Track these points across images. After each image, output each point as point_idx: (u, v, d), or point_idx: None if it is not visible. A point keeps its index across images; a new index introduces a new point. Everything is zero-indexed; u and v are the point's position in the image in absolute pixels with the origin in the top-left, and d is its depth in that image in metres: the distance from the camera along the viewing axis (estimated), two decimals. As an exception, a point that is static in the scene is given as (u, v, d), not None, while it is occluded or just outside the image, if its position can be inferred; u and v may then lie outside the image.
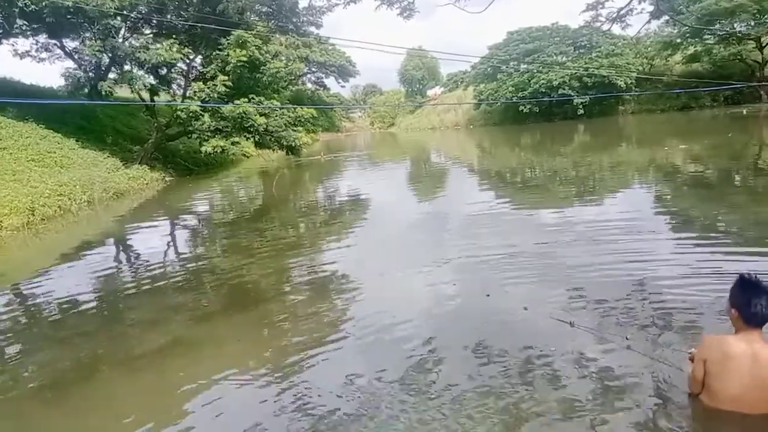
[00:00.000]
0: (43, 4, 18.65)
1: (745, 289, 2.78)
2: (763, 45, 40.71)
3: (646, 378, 4.09)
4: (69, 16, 19.80)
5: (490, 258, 7.82)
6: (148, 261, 10.23)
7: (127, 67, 22.92)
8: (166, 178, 23.18)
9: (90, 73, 24.01)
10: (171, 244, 12.29)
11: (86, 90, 24.54)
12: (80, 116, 24.00)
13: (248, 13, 22.60)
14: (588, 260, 7.25)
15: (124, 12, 20.83)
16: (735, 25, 40.83)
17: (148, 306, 7.47)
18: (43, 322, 7.21)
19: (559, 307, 5.63)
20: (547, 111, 47.35)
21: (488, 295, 6.24)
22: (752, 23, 40.23)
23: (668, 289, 5.95)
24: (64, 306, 7.57)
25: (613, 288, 6.05)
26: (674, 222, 9.75)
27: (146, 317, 6.94)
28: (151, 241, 12.31)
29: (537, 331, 5.22)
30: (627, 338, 4.71)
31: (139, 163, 22.51)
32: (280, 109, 23.74)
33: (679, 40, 43.68)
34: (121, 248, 12.20)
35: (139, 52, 21.14)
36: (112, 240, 12.99)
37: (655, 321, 5.12)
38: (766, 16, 39.04)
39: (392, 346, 5.19)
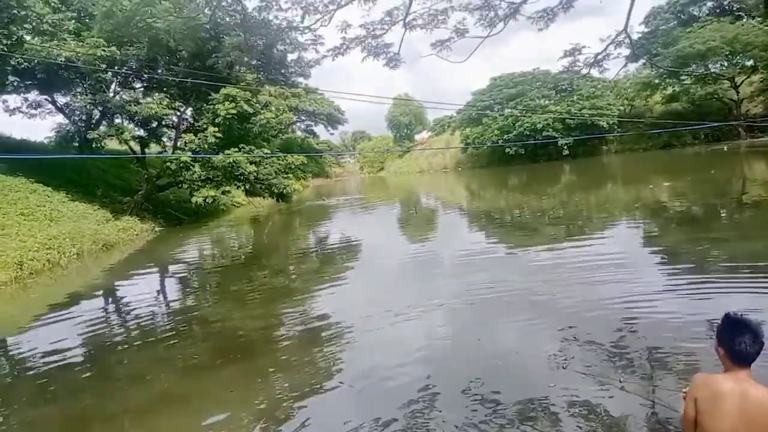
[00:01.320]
0: (35, 61, 19.01)
1: (730, 328, 2.82)
2: (738, 84, 42.19)
3: (641, 419, 4.08)
4: (60, 72, 20.17)
5: (480, 300, 7.84)
6: (137, 313, 10.11)
7: (117, 120, 23.23)
8: (156, 229, 23.14)
9: (81, 127, 24.26)
10: (160, 294, 12.17)
11: (76, 144, 24.74)
12: (70, 170, 24.09)
13: (237, 67, 23.12)
14: (578, 300, 7.28)
15: (115, 67, 21.25)
16: (709, 65, 42.42)
17: (137, 359, 7.35)
18: (28, 378, 7.04)
19: (551, 349, 5.62)
20: (533, 152, 48.28)
21: (479, 340, 6.23)
22: (725, 64, 41.82)
23: (660, 326, 5.99)
24: (50, 361, 7.42)
25: (605, 327, 6.07)
26: (663, 259, 9.86)
27: (135, 371, 6.82)
28: (141, 292, 12.18)
29: (530, 374, 5.21)
30: (621, 380, 4.71)
31: (129, 215, 22.50)
32: (271, 157, 24.01)
33: (657, 81, 45.19)
34: (110, 300, 12.06)
35: (130, 105, 21.48)
36: (100, 292, 12.84)
37: (648, 360, 5.13)
38: (737, 57, 40.61)
39: (386, 393, 5.15)
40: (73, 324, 9.51)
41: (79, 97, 21.78)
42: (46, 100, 24.82)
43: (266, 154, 23.53)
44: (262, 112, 23.87)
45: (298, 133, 62.24)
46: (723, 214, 13.89)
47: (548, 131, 45.55)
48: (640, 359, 5.16)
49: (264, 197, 27.37)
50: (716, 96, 43.00)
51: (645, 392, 4.45)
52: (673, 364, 5.01)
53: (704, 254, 9.62)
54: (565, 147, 45.00)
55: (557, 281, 8.46)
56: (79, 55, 18.86)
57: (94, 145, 22.78)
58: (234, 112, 21.71)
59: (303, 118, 58.72)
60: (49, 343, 8.26)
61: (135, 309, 10.48)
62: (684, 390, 3.43)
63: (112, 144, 25.08)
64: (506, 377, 5.19)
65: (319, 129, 64.03)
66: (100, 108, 22.70)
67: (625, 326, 6.07)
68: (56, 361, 7.40)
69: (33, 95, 24.57)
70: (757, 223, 12.34)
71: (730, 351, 2.82)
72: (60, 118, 25.45)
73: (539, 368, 5.25)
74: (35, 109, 25.52)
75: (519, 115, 47.23)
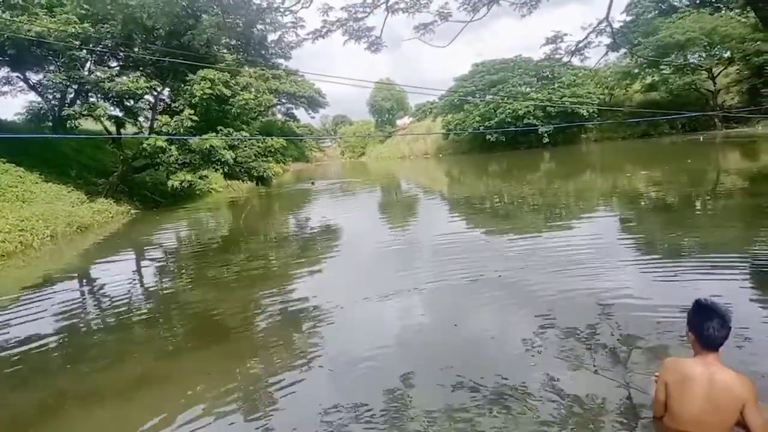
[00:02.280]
0: (5, 36, 18.39)
1: (700, 313, 2.89)
2: (715, 75, 42.87)
3: (614, 402, 4.15)
4: (33, 48, 19.57)
5: (458, 285, 7.89)
6: (112, 295, 9.96)
7: (92, 99, 22.67)
8: (132, 211, 22.77)
9: (54, 105, 23.64)
10: (136, 277, 12.01)
11: (50, 123, 24.12)
12: (44, 149, 23.49)
13: (216, 47, 22.68)
14: (555, 286, 7.37)
15: (90, 45, 20.68)
16: (688, 56, 43.00)
17: (112, 342, 7.25)
18: (1, 361, 6.91)
19: (527, 334, 5.69)
20: (513, 140, 48.55)
21: (456, 325, 6.27)
22: (703, 55, 42.42)
23: (634, 312, 6.09)
24: (23, 344, 7.29)
25: (581, 313, 6.15)
26: (639, 246, 10.01)
27: (110, 353, 6.73)
28: (116, 275, 12.00)
29: (506, 358, 5.27)
30: (595, 364, 4.78)
31: (104, 197, 22.08)
32: (250, 140, 23.73)
33: (637, 71, 45.69)
34: (84, 283, 11.86)
35: (104, 82, 20.94)
36: (75, 275, 12.62)
37: (623, 344, 5.22)
38: (715, 49, 41.22)
39: (364, 376, 5.16)
40: (46, 307, 9.33)
41: (52, 74, 21.19)
42: (17, 77, 24.11)
43: (245, 137, 23.24)
44: (240, 93, 23.52)
45: (279, 116, 61.57)
46: (697, 203, 14.16)
47: (529, 119, 45.79)
48: (614, 344, 5.25)
49: (243, 181, 27.09)
50: (694, 86, 43.67)
51: (619, 376, 4.53)
52: (647, 348, 5.11)
53: (678, 242, 9.80)
54: (546, 135, 45.33)
55: (534, 267, 8.54)
56: (52, 31, 18.27)
57: (68, 125, 22.24)
58: (210, 91, 21.35)
59: (283, 100, 58.06)
60: (21, 327, 8.10)
61: (110, 292, 10.32)
62: (656, 374, 3.50)
63: (87, 124, 24.51)
64: (483, 362, 5.23)
65: (300, 113, 63.44)
66: (74, 86, 22.12)
67: (601, 312, 6.16)
68: (28, 344, 7.27)
69: (3, 72, 23.86)
70: (729, 212, 12.61)
71: (699, 336, 2.89)
72: (32, 96, 24.79)
73: (515, 353, 5.31)
74: (6, 86, 24.80)
75: (500, 101, 47.38)
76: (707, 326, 2.81)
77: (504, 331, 5.98)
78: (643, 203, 14.93)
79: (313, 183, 34.15)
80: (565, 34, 11.02)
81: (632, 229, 11.93)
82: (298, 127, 62.41)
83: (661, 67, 43.56)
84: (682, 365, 2.93)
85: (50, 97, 24.40)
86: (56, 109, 23.84)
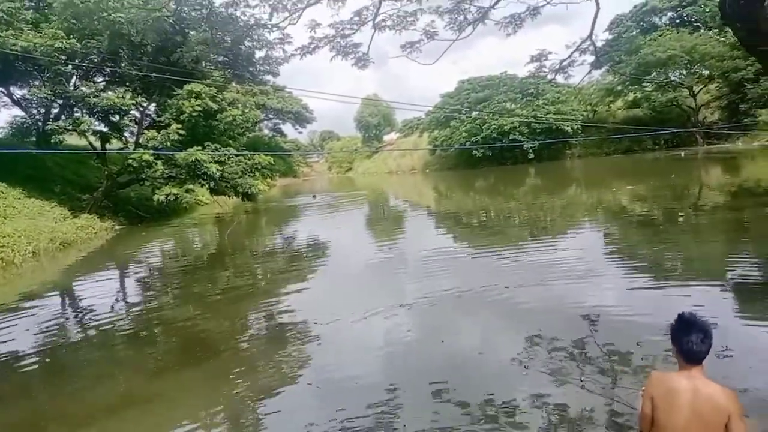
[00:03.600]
0: (-10, 51, 18.26)
1: (681, 327, 2.92)
2: (695, 92, 43.78)
3: (601, 416, 4.17)
4: (17, 63, 19.45)
5: (444, 301, 7.89)
6: (95, 313, 9.80)
7: (77, 114, 22.50)
8: (116, 227, 22.52)
9: (38, 120, 23.42)
10: (120, 294, 11.85)
11: (34, 138, 23.88)
12: (27, 165, 23.23)
13: (204, 63, 22.70)
14: (541, 300, 7.41)
15: (76, 60, 20.60)
16: (669, 73, 43.91)
17: (95, 361, 7.14)
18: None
19: (514, 350, 5.70)
20: (499, 155, 48.95)
21: (443, 341, 6.27)
22: (684, 72, 43.34)
23: (620, 326, 6.14)
24: (3, 363, 7.14)
25: (567, 327, 6.19)
26: (624, 260, 10.12)
27: (93, 373, 6.62)
28: (99, 292, 11.83)
29: (493, 373, 5.27)
30: (581, 379, 4.80)
31: (88, 212, 21.83)
32: (236, 156, 23.66)
33: (619, 88, 46.51)
34: (66, 300, 11.67)
35: (89, 97, 20.83)
36: (57, 292, 12.42)
37: (609, 359, 5.26)
38: (695, 66, 42.16)
39: (351, 393, 5.13)
40: (27, 325, 9.16)
41: (37, 89, 21.02)
42: (1, 92, 23.88)
43: (231, 152, 23.16)
44: (228, 109, 23.49)
45: (266, 131, 61.64)
46: (681, 218, 14.35)
47: (514, 135, 46.25)
48: (600, 358, 5.28)
49: (229, 196, 26.95)
50: (676, 103, 44.54)
51: (605, 390, 4.55)
52: (633, 362, 5.14)
53: (662, 256, 9.91)
54: (531, 151, 45.79)
55: (520, 282, 8.58)
56: (37, 45, 18.18)
57: (52, 140, 22.02)
58: (200, 109, 21.33)
59: (270, 116, 58.14)
60: (1, 345, 7.94)
61: (93, 309, 10.16)
62: (642, 388, 3.52)
63: (72, 139, 24.31)
64: (470, 377, 5.23)
65: (287, 128, 63.57)
66: (59, 101, 21.95)
67: (586, 326, 6.20)
68: (7, 364, 7.12)
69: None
70: (712, 227, 12.81)
71: (680, 349, 2.92)
72: (16, 111, 24.53)
73: (502, 368, 5.31)
74: (-11, 101, 24.53)
75: (486, 118, 47.85)
76: (687, 340, 2.84)
77: (491, 346, 5.99)
78: (627, 218, 15.10)
79: (314, 197, 34.27)
80: (550, 53, 11.18)
81: (617, 243, 12.06)
82: (285, 143, 62.51)
83: (644, 84, 44.40)
84: (667, 379, 2.95)
85: (34, 112, 24.16)
86: (40, 124, 23.62)
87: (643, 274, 8.78)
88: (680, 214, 14.92)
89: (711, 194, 18.80)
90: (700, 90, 44.07)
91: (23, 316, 9.77)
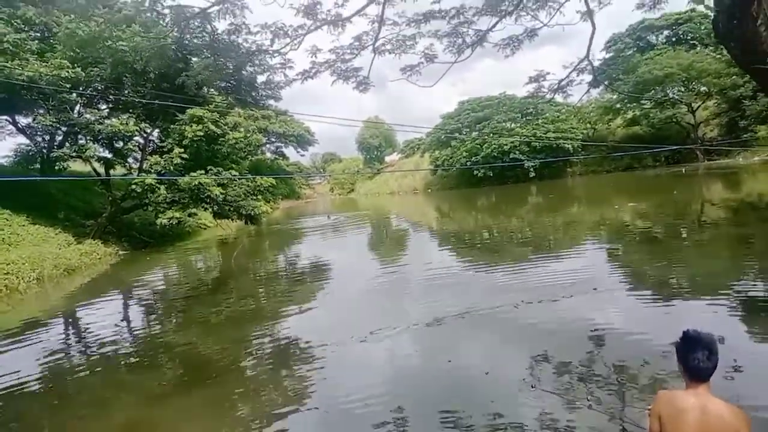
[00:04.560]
0: (-4, 80, 18.52)
1: (686, 344, 2.91)
2: (694, 109, 44.07)
3: (609, 437, 4.13)
4: (22, 92, 19.71)
5: (449, 321, 7.86)
6: (99, 339, 9.78)
7: (81, 141, 22.73)
8: (120, 252, 22.56)
9: (43, 148, 23.66)
10: (124, 320, 11.83)
11: (38, 165, 24.09)
12: (31, 192, 23.40)
13: (206, 89, 22.96)
14: (547, 319, 7.38)
15: (80, 88, 20.87)
16: (667, 91, 44.27)
17: (98, 387, 7.10)
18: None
19: (521, 369, 5.67)
20: (501, 174, 49.14)
21: (449, 361, 6.24)
22: (682, 89, 43.70)
23: (627, 345, 6.11)
24: (7, 390, 7.11)
25: (573, 346, 6.16)
26: (628, 278, 10.09)
27: (96, 399, 6.59)
28: (103, 318, 11.81)
29: (501, 394, 5.24)
30: (588, 398, 4.77)
31: (92, 238, 21.90)
32: (239, 179, 23.80)
33: (618, 106, 46.88)
34: (70, 326, 11.66)
35: (93, 125, 21.05)
36: (61, 318, 12.41)
37: (615, 377, 5.22)
38: (693, 84, 42.49)
39: (359, 417, 5.09)
40: (31, 351, 9.15)
41: (41, 117, 21.27)
42: (6, 120, 24.15)
43: (234, 176, 23.31)
44: (230, 133, 23.71)
45: (268, 154, 61.96)
46: (684, 234, 14.34)
47: (515, 153, 46.51)
48: (607, 377, 5.25)
49: (233, 219, 27.03)
50: (675, 120, 44.80)
51: (612, 410, 4.52)
52: (640, 381, 5.11)
53: (666, 272, 9.88)
54: (532, 169, 45.97)
55: (525, 301, 8.55)
56: (43, 75, 18.46)
57: (56, 167, 22.20)
58: (201, 133, 21.54)
59: (273, 139, 58.49)
60: (5, 372, 7.91)
61: (97, 335, 10.15)
62: (649, 407, 3.50)
63: (76, 166, 24.52)
64: (477, 398, 5.20)
65: (289, 151, 63.84)
66: (63, 128, 22.19)
67: (593, 345, 6.18)
68: (11, 390, 7.09)
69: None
70: (715, 243, 12.78)
71: (686, 367, 2.91)
72: (21, 139, 24.80)
73: (509, 388, 5.28)
74: (-5, 130, 24.81)
75: (486, 138, 48.18)
76: (693, 357, 2.84)
77: (497, 366, 5.96)
78: (631, 235, 15.09)
79: (329, 217, 35.21)
80: (548, 73, 11.27)
81: (621, 260, 12.04)
82: (287, 165, 62.74)
83: (642, 102, 44.74)
84: (674, 397, 2.93)
85: (39, 139, 24.43)
86: (45, 151, 23.86)
87: (648, 291, 8.75)
88: (683, 230, 14.91)
89: (713, 210, 18.80)
90: (698, 107, 44.39)
91: (27, 343, 9.75)
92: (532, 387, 5.14)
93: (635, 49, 49.80)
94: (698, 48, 44.99)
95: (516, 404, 4.89)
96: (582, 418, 4.47)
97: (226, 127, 23.50)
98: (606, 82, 35.52)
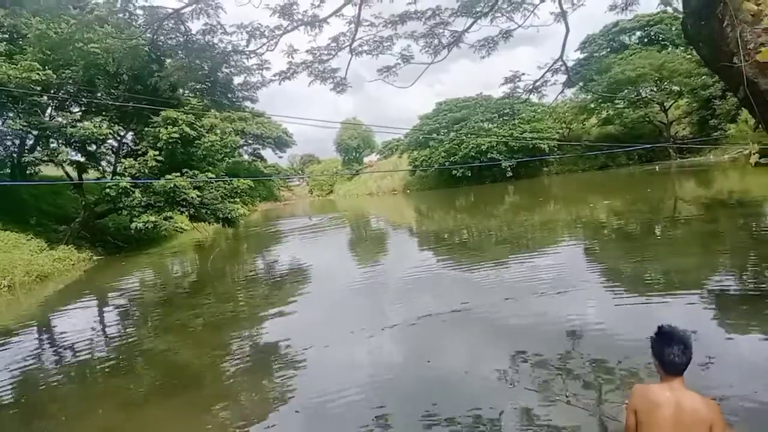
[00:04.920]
0: (-39, 84, 18.02)
1: (661, 339, 2.97)
2: (667, 108, 45.00)
3: (587, 431, 4.19)
4: (-10, 95, 19.23)
5: (428, 321, 7.89)
6: (73, 346, 9.58)
7: (53, 145, 22.23)
8: (94, 258, 22.12)
9: (13, 152, 23.10)
10: (98, 326, 11.59)
11: (8, 170, 23.49)
12: (2, 197, 22.81)
13: (181, 90, 22.65)
14: (524, 316, 7.46)
15: (51, 91, 20.41)
16: (640, 90, 45.12)
17: (73, 396, 6.96)
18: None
19: (500, 367, 5.71)
20: (479, 174, 49.54)
21: (429, 361, 6.26)
22: (654, 89, 44.58)
23: (602, 339, 6.20)
24: (-23, 403, 6.92)
25: (551, 344, 6.22)
26: (604, 275, 10.24)
27: (71, 409, 6.45)
28: (77, 325, 11.55)
29: (481, 392, 5.27)
30: (567, 394, 4.83)
31: (65, 243, 21.42)
32: (215, 181, 23.53)
33: (593, 106, 47.66)
34: (43, 334, 11.38)
35: (65, 128, 20.61)
36: (34, 326, 12.11)
37: (592, 373, 5.30)
38: (665, 83, 43.39)
39: (338, 418, 5.08)
40: (2, 361, 8.90)
41: (11, 121, 20.76)
42: (-27, 124, 23.51)
43: (210, 178, 23.04)
44: (206, 135, 23.44)
45: (245, 156, 61.40)
46: (657, 231, 14.61)
47: (492, 153, 46.94)
48: (584, 373, 5.32)
49: (209, 223, 26.72)
50: (648, 119, 45.71)
51: (590, 405, 4.58)
52: (616, 376, 5.19)
53: (641, 270, 10.05)
54: (509, 169, 46.43)
55: (503, 299, 8.64)
56: (11, 78, 18.01)
57: (28, 171, 21.68)
58: (176, 136, 21.25)
59: (250, 141, 58.02)
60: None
61: (71, 342, 9.93)
62: (626, 401, 3.56)
63: (48, 170, 23.94)
64: (457, 397, 5.22)
65: (267, 153, 63.36)
66: (34, 132, 21.68)
67: (570, 342, 6.26)
68: (-18, 402, 6.90)
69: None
70: (688, 239, 13.07)
71: (661, 362, 2.97)
72: (-10, 142, 24.16)
73: (489, 387, 5.32)
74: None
75: (464, 138, 48.54)
76: (668, 352, 2.89)
77: (476, 364, 5.99)
78: (606, 232, 15.33)
79: (310, 218, 35.25)
80: (523, 74, 11.41)
81: (597, 257, 12.22)
82: (265, 167, 62.20)
83: (616, 101, 45.53)
84: (649, 391, 2.99)
85: (9, 144, 23.85)
86: (15, 155, 23.29)
87: (623, 287, 8.90)
88: (657, 227, 15.20)
89: (686, 207, 19.21)
90: (670, 106, 45.35)
91: (-2, 353, 9.49)
92: (512, 385, 5.18)
93: (609, 50, 50.66)
94: (670, 48, 45.94)
95: (496, 402, 4.92)
96: (560, 413, 4.53)
97: (201, 130, 23.22)
98: (580, 83, 36.12)
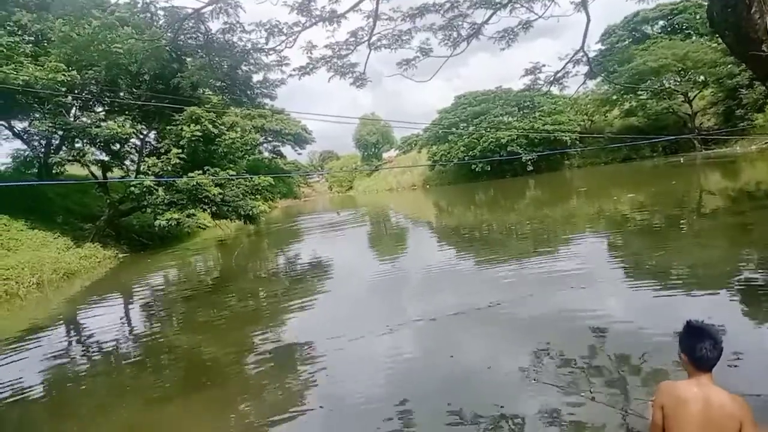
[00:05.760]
0: (-9, 85, 18.45)
1: (691, 335, 2.92)
2: (691, 99, 44.03)
3: (612, 428, 4.14)
4: (18, 97, 19.64)
5: (450, 316, 7.86)
6: (100, 343, 9.79)
7: (78, 144, 22.68)
8: (120, 255, 22.53)
9: (39, 152, 23.63)
10: (124, 322, 11.82)
11: (35, 170, 24.03)
12: (29, 197, 23.34)
13: (202, 90, 22.88)
14: (547, 312, 7.38)
15: (75, 91, 20.79)
16: (663, 81, 44.23)
17: (100, 391, 7.10)
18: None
19: (523, 363, 5.67)
20: (499, 168, 49.15)
21: (452, 356, 6.24)
22: (678, 79, 43.66)
23: (627, 335, 6.11)
24: (6, 397, 7.09)
25: (574, 339, 6.16)
26: (628, 270, 10.08)
27: (98, 403, 6.58)
28: (104, 321, 11.79)
29: (503, 388, 5.24)
30: (591, 391, 4.77)
31: (91, 241, 21.86)
32: (236, 178, 23.75)
33: (615, 97, 46.86)
34: (71, 331, 11.65)
35: (90, 128, 21.01)
36: (62, 322, 12.40)
37: (618, 369, 5.22)
38: (689, 74, 42.45)
39: (362, 414, 5.09)
40: (31, 357, 9.14)
41: (38, 122, 21.22)
42: (2, 125, 24.10)
43: (232, 175, 23.27)
44: (227, 133, 23.67)
45: (265, 154, 61.88)
46: (683, 224, 14.34)
47: (512, 147, 46.53)
48: (609, 369, 5.25)
49: (231, 219, 27.00)
50: (671, 110, 44.80)
51: (615, 402, 4.52)
52: (642, 372, 5.11)
53: (667, 263, 9.88)
54: (529, 162, 45.97)
55: (525, 295, 8.56)
56: (38, 79, 18.39)
57: (54, 171, 22.16)
58: (199, 134, 21.51)
59: (270, 138, 58.43)
60: (5, 378, 7.90)
61: (98, 339, 10.14)
62: (652, 398, 3.50)
63: (73, 170, 24.44)
64: (481, 392, 5.20)
65: (287, 150, 63.77)
66: (60, 132, 22.14)
67: (594, 337, 6.18)
68: (10, 397, 7.08)
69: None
70: (715, 232, 12.79)
71: (691, 357, 2.90)
72: (17, 144, 24.78)
73: (512, 382, 5.28)
74: (-10, 135, 24.77)
75: (484, 131, 48.20)
76: (699, 347, 2.83)
77: (500, 360, 5.96)
78: (630, 226, 15.09)
79: (338, 213, 35.88)
80: (543, 65, 11.25)
81: (621, 252, 12.04)
82: (285, 164, 62.62)
83: (638, 92, 44.71)
84: (677, 388, 2.93)
85: (36, 144, 24.41)
86: (42, 155, 23.82)
87: (648, 282, 8.75)
88: (682, 220, 14.92)
89: (712, 199, 18.81)
90: (695, 96, 44.38)
91: (28, 349, 9.74)
92: (535, 380, 5.14)
93: (630, 40, 49.76)
94: (694, 37, 44.93)
95: (519, 398, 4.89)
96: (585, 410, 4.48)
97: (222, 127, 23.46)
98: (602, 74, 35.54)
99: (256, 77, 24.26)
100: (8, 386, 7.55)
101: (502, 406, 4.73)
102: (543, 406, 4.64)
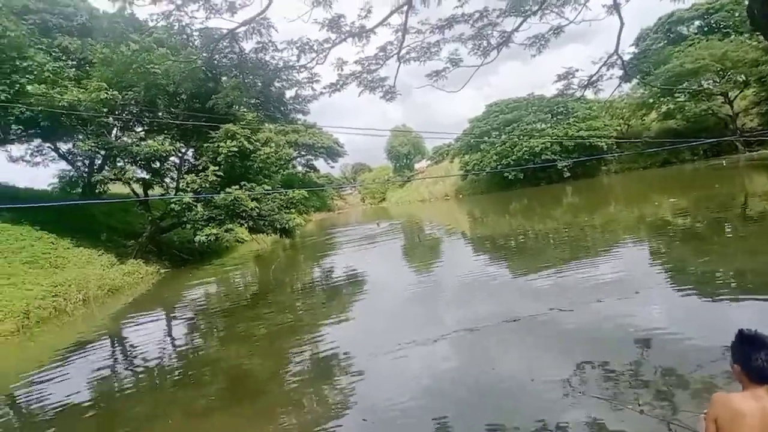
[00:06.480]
0: (39, 109, 19.31)
1: (745, 344, 2.79)
2: (732, 99, 42.65)
3: (662, 442, 4.00)
4: (62, 119, 20.50)
5: (489, 328, 7.76)
6: (144, 357, 10.03)
7: (120, 163, 23.48)
8: (161, 271, 23.11)
9: (83, 172, 24.53)
10: (167, 337, 12.09)
11: (80, 189, 24.95)
12: (74, 216, 24.22)
13: (237, 107, 23.42)
14: (589, 322, 7.21)
15: (116, 111, 21.56)
16: (702, 82, 42.99)
17: (145, 404, 7.26)
18: (33, 427, 6.95)
19: (566, 375, 5.54)
20: (533, 176, 48.48)
21: (494, 369, 6.15)
22: (717, 80, 42.37)
23: (674, 345, 5.91)
24: (57, 410, 7.33)
25: (618, 350, 6.00)
26: (672, 277, 9.78)
27: (144, 415, 6.73)
28: (148, 336, 12.10)
29: (546, 401, 5.13)
30: (639, 403, 4.63)
31: (134, 258, 22.50)
32: (272, 193, 24.15)
33: (651, 100, 45.75)
34: (116, 345, 11.97)
35: (131, 147, 21.73)
36: (107, 338, 12.76)
37: (665, 381, 5.06)
38: (729, 74, 41.16)
39: (403, 426, 5.07)
40: (80, 371, 9.43)
41: (81, 142, 22.09)
42: (48, 147, 25.17)
43: (267, 190, 23.67)
44: (261, 148, 24.13)
45: (299, 168, 62.76)
46: (728, 229, 13.84)
47: (546, 154, 45.92)
48: (656, 381, 5.08)
49: (267, 233, 27.41)
50: (711, 112, 43.48)
51: (664, 415, 4.37)
52: (690, 384, 4.93)
53: (713, 270, 9.54)
54: (565, 169, 45.26)
55: (567, 304, 8.38)
56: (82, 101, 19.18)
57: (97, 190, 22.96)
58: (235, 149, 21.99)
59: (303, 152, 59.29)
60: (56, 392, 8.18)
61: (142, 353, 10.39)
62: (704, 411, 3.37)
63: (115, 188, 25.28)
64: (523, 405, 5.10)
65: (320, 163, 64.63)
66: (102, 152, 22.98)
67: (639, 348, 6.00)
68: (62, 409, 7.32)
69: (36, 143, 24.99)
70: (761, 237, 12.29)
71: (746, 368, 2.78)
72: (63, 165, 25.82)
73: (555, 395, 5.17)
74: (38, 156, 25.91)
75: (516, 139, 47.74)
76: (754, 357, 2.71)
77: (542, 372, 5.84)
78: (672, 232, 14.66)
79: (378, 224, 36.21)
80: (577, 70, 11.12)
81: (664, 259, 11.69)
82: (318, 178, 63.41)
83: (676, 95, 43.57)
84: (732, 400, 2.81)
85: (80, 164, 25.39)
86: (86, 175, 24.72)
87: (693, 290, 8.46)
88: (727, 225, 14.40)
89: (758, 203, 18.10)
90: (736, 96, 42.97)
91: (76, 363, 10.06)
92: (580, 393, 5.01)
93: (666, 41, 48.63)
94: (733, 36, 43.59)
95: (563, 411, 4.77)
96: (632, 423, 4.34)
97: (257, 143, 23.92)
98: (637, 77, 34.81)
99: (289, 93, 24.69)
100: (59, 398, 7.80)
101: (546, 420, 4.62)
102: (588, 419, 4.52)
